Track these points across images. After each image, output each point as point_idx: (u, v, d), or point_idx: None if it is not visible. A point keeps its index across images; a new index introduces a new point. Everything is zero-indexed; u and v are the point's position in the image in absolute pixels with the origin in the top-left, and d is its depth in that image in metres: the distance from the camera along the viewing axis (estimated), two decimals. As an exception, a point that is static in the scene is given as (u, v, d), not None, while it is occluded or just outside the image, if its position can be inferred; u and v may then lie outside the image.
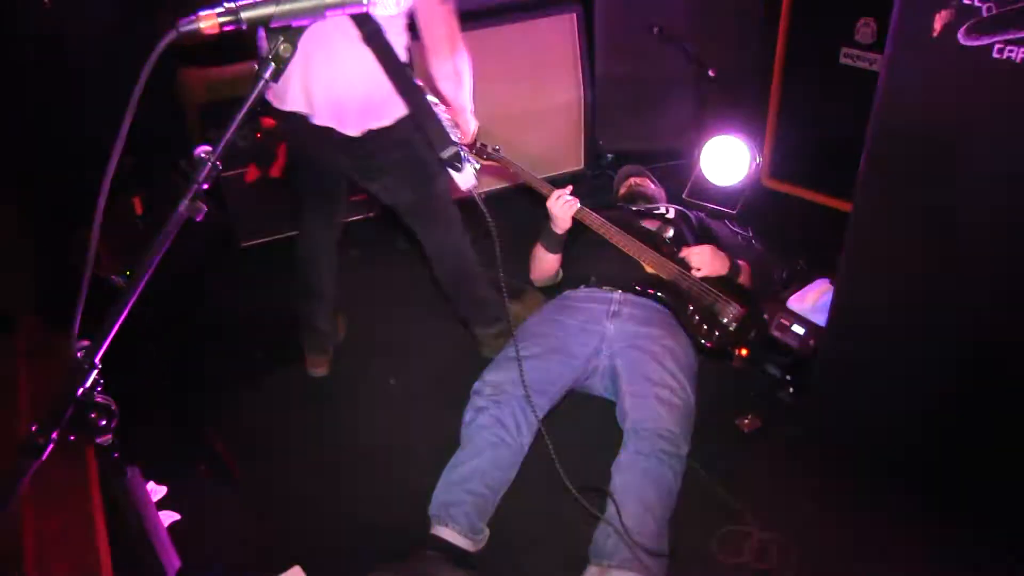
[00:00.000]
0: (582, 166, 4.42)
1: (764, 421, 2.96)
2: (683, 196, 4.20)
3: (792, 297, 3.06)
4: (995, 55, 1.98)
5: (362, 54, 2.50)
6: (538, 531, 2.62)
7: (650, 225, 3.23)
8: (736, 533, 2.59)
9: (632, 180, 3.69)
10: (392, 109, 2.66)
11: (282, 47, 1.39)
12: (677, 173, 4.36)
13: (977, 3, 1.97)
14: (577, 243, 3.18)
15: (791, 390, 3.02)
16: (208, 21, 1.32)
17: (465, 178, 2.62)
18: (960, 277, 2.30)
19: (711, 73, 4.03)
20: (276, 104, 2.69)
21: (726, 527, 2.61)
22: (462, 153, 2.58)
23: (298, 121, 2.70)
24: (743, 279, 3.16)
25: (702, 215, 3.55)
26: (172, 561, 1.52)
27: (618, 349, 2.85)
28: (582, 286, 3.11)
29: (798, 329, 2.95)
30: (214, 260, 3.84)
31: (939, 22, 2.04)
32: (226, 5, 1.32)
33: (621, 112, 4.34)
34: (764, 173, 4.22)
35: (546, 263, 3.21)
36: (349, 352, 3.36)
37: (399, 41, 2.58)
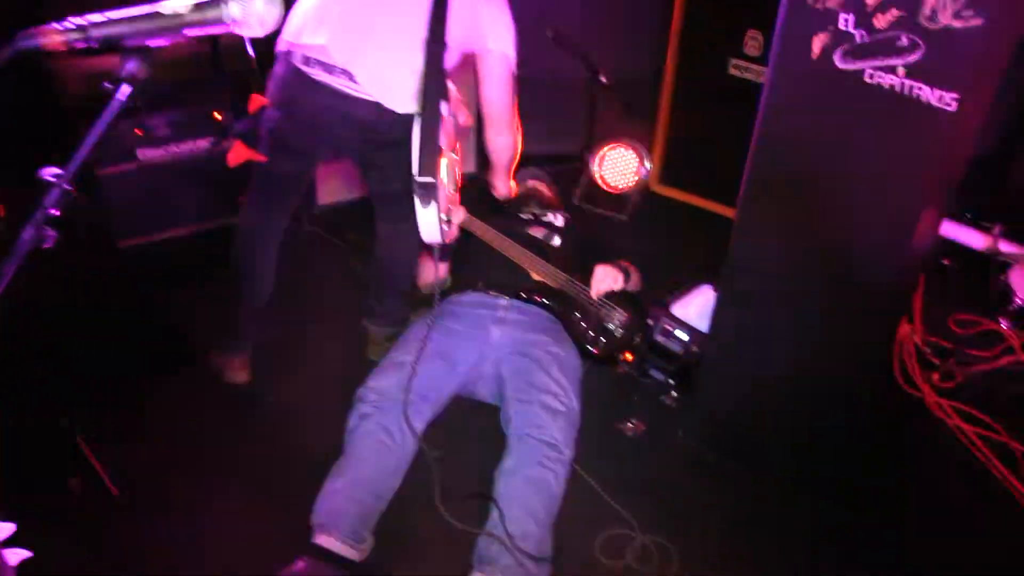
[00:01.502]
0: (474, 168, 4.41)
1: (648, 426, 3.02)
2: (574, 201, 4.24)
3: (676, 303, 3.11)
4: (867, 79, 2.06)
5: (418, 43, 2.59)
6: (423, 538, 2.61)
7: (537, 232, 3.25)
8: (619, 537, 2.63)
9: (529, 183, 3.70)
10: (416, 102, 2.64)
11: (137, 68, 1.33)
12: (569, 177, 4.39)
13: (851, 29, 2.04)
14: (466, 248, 3.18)
15: (675, 395, 3.08)
16: (51, 37, 1.24)
17: (428, 223, 2.59)
18: (832, 285, 2.38)
19: (603, 79, 4.06)
20: (310, 51, 2.65)
21: (609, 531, 2.65)
22: (437, 208, 2.57)
23: (315, 87, 2.67)
24: (631, 284, 3.20)
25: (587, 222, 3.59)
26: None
27: (504, 355, 2.85)
28: (468, 291, 3.11)
29: (681, 335, 3.01)
30: (90, 264, 3.69)
31: (817, 45, 2.11)
32: (75, 21, 1.25)
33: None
34: (654, 179, 4.29)
35: (432, 269, 3.20)
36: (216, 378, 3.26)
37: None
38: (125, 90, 1.33)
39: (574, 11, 4.19)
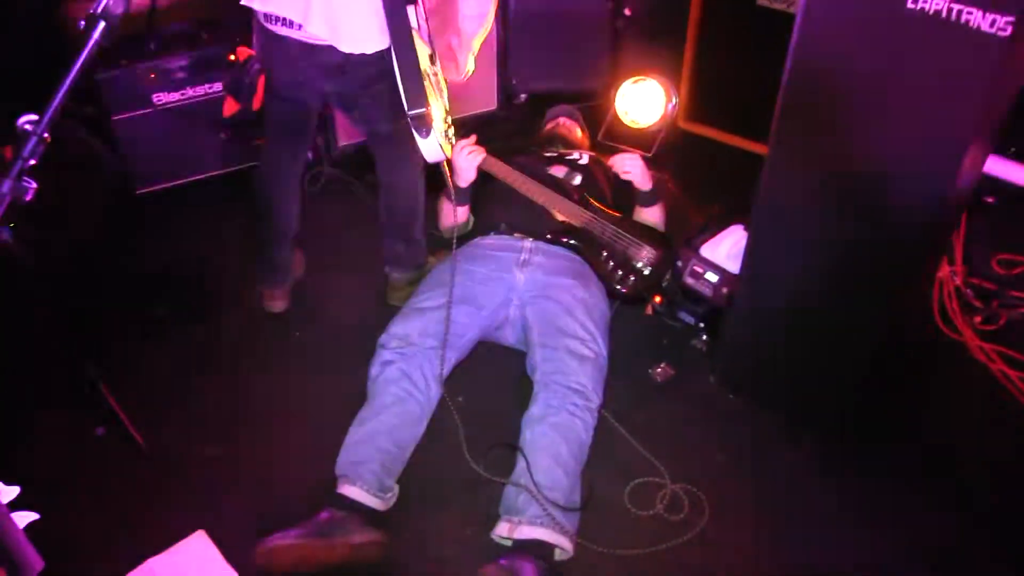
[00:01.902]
0: (495, 107, 4.30)
1: (677, 370, 2.95)
2: (598, 138, 4.13)
3: (706, 244, 3.01)
4: (910, 4, 1.93)
5: None
6: (449, 487, 2.57)
7: (558, 171, 3.15)
8: (648, 485, 2.58)
9: (560, 120, 3.60)
10: (384, 38, 2.56)
11: (111, 2, 1.25)
12: (593, 114, 4.27)
13: (895, -52, 1.91)
14: (488, 189, 3.09)
15: (704, 338, 3.00)
16: None
17: (430, 149, 2.53)
18: (869, 223, 2.28)
19: (627, 12, 3.94)
20: (263, 7, 2.60)
21: (638, 479, 2.59)
22: (435, 131, 2.50)
23: (282, 42, 2.64)
24: (658, 221, 3.12)
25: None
26: (33, 563, 1.42)
27: (528, 299, 2.78)
28: (491, 233, 3.03)
29: (711, 277, 2.92)
30: (107, 211, 3.63)
31: (858, -33, 1.99)
32: None
33: (536, 51, 4.21)
34: (681, 115, 4.16)
35: (452, 212, 3.11)
36: (256, 304, 3.24)
37: None
38: (100, 27, 1.24)
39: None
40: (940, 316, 3.15)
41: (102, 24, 1.24)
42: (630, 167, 3.04)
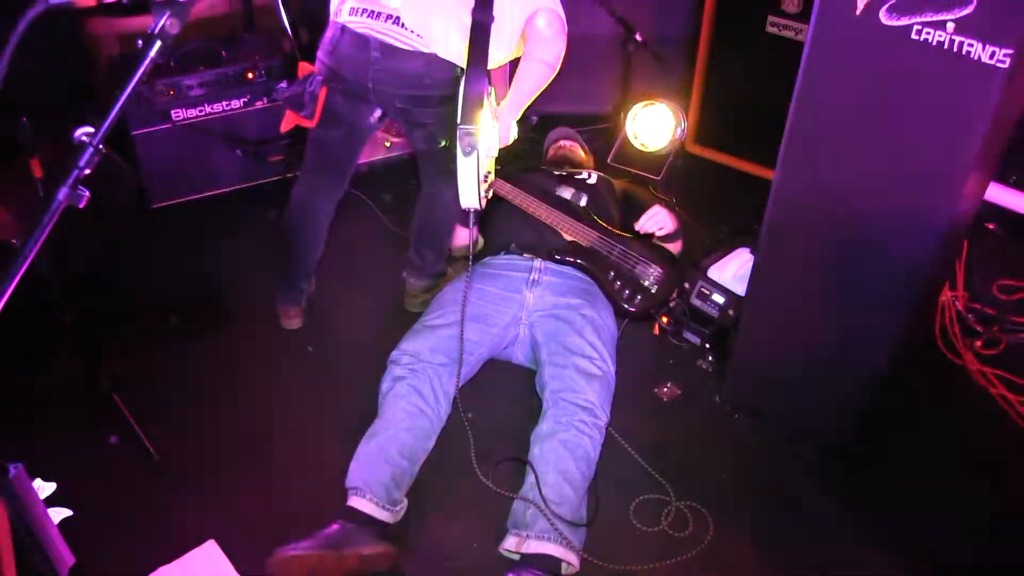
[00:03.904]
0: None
1: (684, 390, 2.99)
2: (608, 161, 4.19)
3: (713, 266, 3.07)
4: (914, 36, 1.99)
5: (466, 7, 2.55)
6: (457, 502, 2.61)
7: (566, 192, 3.22)
8: (654, 502, 2.62)
9: (561, 142, 3.68)
10: (463, 56, 2.63)
11: (168, 23, 1.31)
12: (603, 137, 4.34)
13: (900, -18, 1.97)
14: (498, 209, 3.15)
15: (711, 359, 3.05)
16: None
17: (467, 172, 2.53)
18: (872, 249, 2.33)
19: (638, 37, 3.99)
20: (356, 3, 2.70)
21: (644, 496, 2.63)
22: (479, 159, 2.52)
23: (362, 41, 2.69)
24: (676, 252, 3.19)
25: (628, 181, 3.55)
26: (66, 558, 1.47)
27: (537, 319, 2.84)
28: (502, 252, 3.09)
29: (718, 298, 2.97)
30: (125, 224, 3.70)
31: (863, 0, 2.04)
32: None
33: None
34: (689, 139, 4.22)
35: (464, 233, 3.17)
36: (269, 318, 3.29)
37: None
38: (157, 46, 1.31)
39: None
40: (942, 340, 3.19)
41: (159, 43, 1.31)
42: (662, 222, 3.13)
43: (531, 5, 2.69)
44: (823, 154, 2.31)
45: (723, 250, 3.16)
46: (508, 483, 2.54)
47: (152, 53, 1.31)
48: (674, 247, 3.18)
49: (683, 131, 4.12)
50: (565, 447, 2.49)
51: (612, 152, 4.23)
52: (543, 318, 2.83)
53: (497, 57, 2.70)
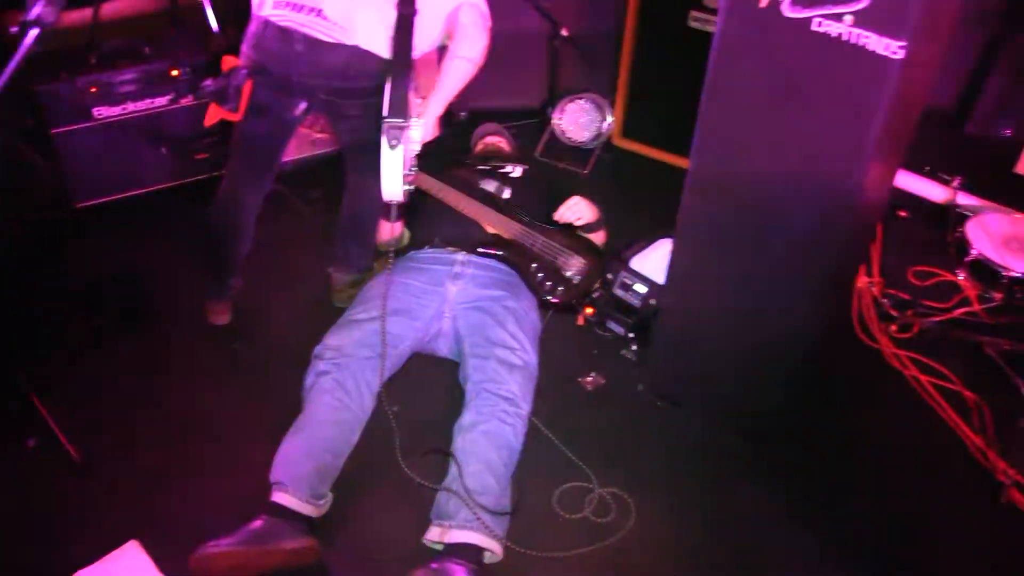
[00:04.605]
0: (439, 131, 4.36)
1: (608, 379, 3.03)
2: (535, 155, 4.22)
3: (636, 256, 3.11)
4: (814, 28, 2.04)
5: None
6: (382, 495, 2.62)
7: (489, 185, 3.25)
8: (577, 490, 2.65)
9: (488, 139, 3.69)
10: (387, 48, 2.63)
11: (44, 11, 1.30)
12: (530, 132, 4.37)
13: (800, -25, 2.03)
14: (423, 204, 3.17)
15: (635, 348, 3.09)
16: None
17: (391, 164, 2.55)
18: (783, 235, 2.39)
19: (564, 32, 4.03)
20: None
21: (568, 484, 2.67)
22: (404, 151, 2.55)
23: (286, 35, 2.68)
24: (600, 243, 3.23)
25: (550, 174, 3.59)
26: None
27: (460, 311, 2.87)
28: (426, 247, 3.11)
29: (640, 288, 3.01)
30: (46, 224, 3.65)
31: (765, -8, 2.10)
32: None
33: (480, 71, 4.30)
34: (617, 132, 4.28)
35: (388, 227, 3.18)
36: (196, 316, 3.27)
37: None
38: (33, 34, 1.30)
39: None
40: (859, 325, 3.28)
41: (35, 31, 1.30)
42: (580, 212, 3.15)
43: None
44: (733, 143, 2.36)
45: (646, 240, 3.20)
46: (432, 475, 2.56)
47: (28, 41, 1.30)
48: (598, 237, 3.22)
49: (610, 125, 4.18)
50: (487, 437, 2.51)
51: (539, 146, 4.27)
52: (466, 311, 2.85)
53: (422, 47, 2.72)
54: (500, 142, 3.64)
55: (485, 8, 2.81)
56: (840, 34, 2.01)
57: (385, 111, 2.51)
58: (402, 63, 2.54)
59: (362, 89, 2.75)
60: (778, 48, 2.13)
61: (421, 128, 2.69)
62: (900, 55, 1.95)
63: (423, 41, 2.72)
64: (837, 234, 2.31)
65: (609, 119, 4.16)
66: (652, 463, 2.77)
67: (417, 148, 2.67)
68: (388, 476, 2.62)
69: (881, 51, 1.97)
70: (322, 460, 2.49)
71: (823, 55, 2.05)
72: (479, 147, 3.66)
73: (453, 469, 2.48)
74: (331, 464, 2.52)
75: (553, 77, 4.26)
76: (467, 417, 2.59)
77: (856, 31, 1.99)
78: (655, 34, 4.00)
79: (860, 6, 1.97)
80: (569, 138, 4.22)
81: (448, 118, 4.32)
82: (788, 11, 2.07)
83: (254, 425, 2.82)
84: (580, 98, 4.16)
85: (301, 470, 2.45)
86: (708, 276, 2.62)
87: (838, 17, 2.00)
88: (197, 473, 2.69)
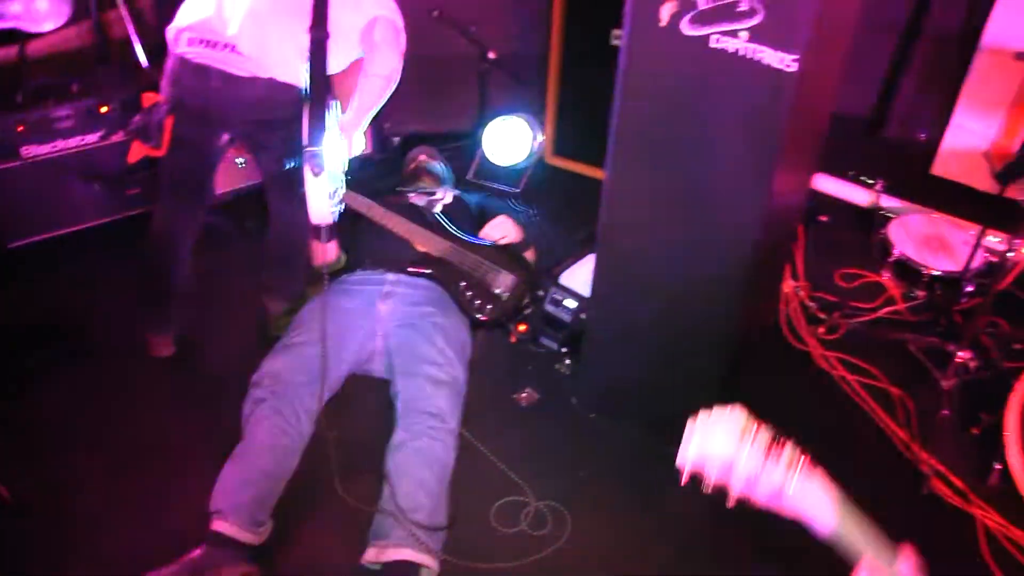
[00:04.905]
0: (370, 150, 4.42)
1: (542, 394, 3.08)
2: (467, 177, 4.28)
3: (565, 271, 3.18)
4: (712, 45, 2.12)
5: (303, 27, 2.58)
6: (321, 519, 2.64)
7: (420, 204, 3.32)
8: (513, 504, 2.69)
9: (419, 160, 3.74)
10: (304, 79, 2.63)
11: None
12: (463, 154, 4.43)
13: (697, -3, 2.11)
14: (354, 227, 3.21)
15: (567, 362, 3.15)
16: None
17: (317, 192, 2.55)
18: (699, 243, 2.46)
19: (491, 55, 4.10)
20: (191, 27, 2.70)
21: (504, 498, 2.71)
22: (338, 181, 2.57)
23: (202, 72, 2.71)
24: (531, 261, 3.29)
25: (483, 195, 3.64)
26: None
27: (392, 330, 2.91)
28: (358, 269, 3.15)
29: (570, 303, 3.07)
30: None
31: (666, 12, 2.17)
32: None
33: (406, 95, 4.34)
34: (548, 151, 4.35)
35: (322, 250, 3.22)
36: (135, 350, 3.27)
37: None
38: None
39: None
40: (788, 328, 3.36)
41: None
42: (505, 231, 3.22)
43: (368, 12, 2.75)
44: (645, 155, 2.43)
45: (576, 256, 3.27)
46: (369, 497, 2.58)
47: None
48: (527, 255, 3.28)
49: (540, 144, 4.25)
50: (418, 455, 2.55)
51: (472, 168, 4.33)
52: (397, 329, 2.89)
53: (339, 66, 2.76)
54: (432, 164, 3.69)
55: (399, 21, 2.85)
56: (737, 50, 2.09)
57: (305, 139, 2.55)
58: (319, 89, 2.58)
59: (281, 120, 2.79)
60: (680, 65, 2.21)
61: (343, 147, 2.72)
62: (794, 68, 2.03)
63: (339, 61, 2.76)
64: (750, 239, 2.38)
65: (539, 138, 4.23)
66: (587, 475, 2.82)
67: (343, 167, 2.70)
68: (327, 500, 2.63)
69: (776, 65, 2.05)
70: (261, 487, 2.51)
71: (722, 70, 2.13)
72: (410, 169, 3.70)
73: (386, 489, 2.51)
74: (271, 490, 2.53)
75: (482, 100, 4.32)
76: (397, 436, 2.62)
77: (752, 47, 2.07)
78: (580, 53, 4.08)
79: (754, 22, 2.05)
80: (500, 159, 4.27)
81: (382, 142, 4.39)
82: (687, 29, 2.14)
83: (193, 455, 2.83)
84: (510, 119, 4.23)
85: (241, 498, 2.46)
86: (629, 286, 2.68)
87: (734, 34, 2.08)
88: (135, 507, 2.69)
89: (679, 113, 2.29)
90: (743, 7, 2.05)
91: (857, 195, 4.07)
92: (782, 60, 2.04)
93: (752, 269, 2.48)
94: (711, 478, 1.13)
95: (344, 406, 2.90)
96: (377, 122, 4.35)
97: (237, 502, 2.45)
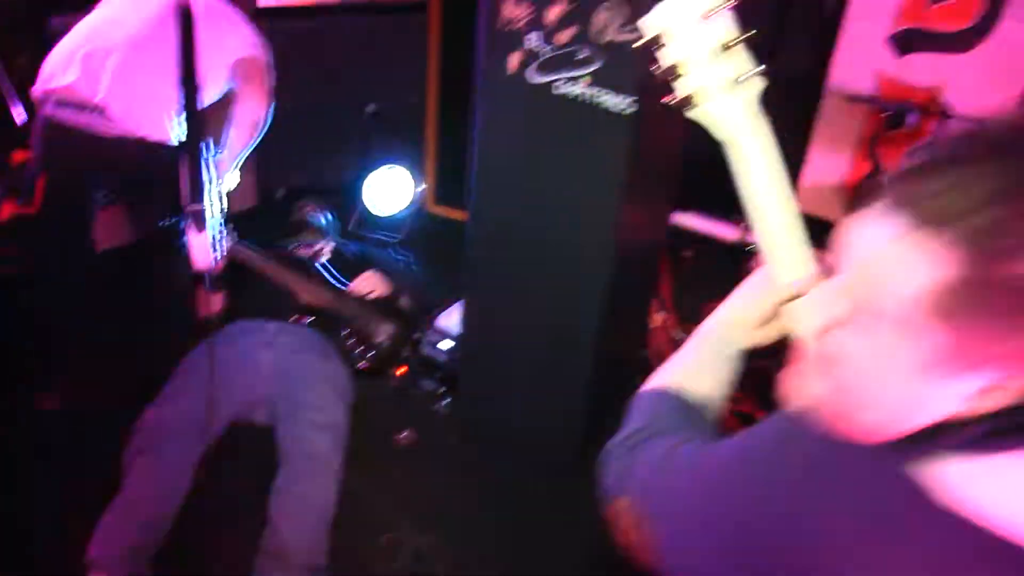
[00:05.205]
0: (255, 203, 4.46)
1: (423, 434, 3.15)
2: (348, 228, 4.35)
3: (441, 315, 3.27)
4: (557, 91, 2.26)
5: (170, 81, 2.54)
6: (203, 565, 2.64)
7: (303, 255, 3.37)
8: (394, 541, 2.74)
9: (302, 213, 3.80)
10: (175, 132, 2.66)
11: None
12: (346, 205, 4.50)
13: (539, 46, 2.25)
14: (239, 277, 3.24)
15: (445, 402, 3.23)
16: None
17: (201, 247, 2.56)
18: (560, 280, 2.58)
19: (371, 107, 4.21)
20: (60, 88, 2.69)
21: (384, 537, 2.75)
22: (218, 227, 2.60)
23: (70, 133, 2.71)
24: (403, 301, 3.36)
25: (363, 245, 3.72)
26: None
27: (273, 378, 2.94)
28: (240, 319, 3.18)
29: (446, 344, 3.17)
30: None
31: (513, 61, 2.31)
32: None
33: (289, 148, 4.42)
34: (430, 200, 4.45)
35: (208, 300, 3.24)
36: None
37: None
38: None
39: (337, 44, 4.30)
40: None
41: None
42: (372, 286, 3.29)
43: (233, 52, 2.83)
44: (503, 198, 2.56)
45: (453, 299, 3.37)
46: (251, 540, 2.60)
47: None
48: (405, 302, 3.35)
49: (421, 193, 4.35)
50: (299, 498, 2.58)
51: (353, 219, 4.40)
52: (278, 377, 2.93)
53: (211, 98, 2.82)
54: (314, 216, 3.76)
55: (265, 58, 2.91)
56: (579, 95, 2.24)
57: (184, 196, 2.58)
58: (194, 143, 2.62)
59: (156, 179, 2.79)
60: (529, 110, 2.35)
61: (220, 188, 2.78)
62: (633, 109, 2.18)
63: (209, 96, 2.81)
64: (605, 275, 2.51)
65: (419, 188, 4.34)
66: (465, 510, 2.89)
67: (223, 214, 2.75)
68: (208, 546, 2.64)
69: (616, 108, 2.20)
70: (139, 537, 2.49)
71: (567, 115, 2.28)
72: (294, 220, 3.76)
73: (268, 531, 2.54)
74: (150, 540, 2.52)
75: (363, 150, 4.41)
76: (279, 479, 2.65)
77: (592, 91, 2.22)
78: (457, 103, 4.21)
79: (594, 68, 2.20)
80: (381, 209, 4.36)
81: (265, 194, 4.44)
82: (532, 77, 2.28)
83: (73, 502, 2.78)
84: (390, 169, 4.32)
85: (117, 548, 2.45)
86: (495, 325, 2.79)
87: (576, 80, 2.23)
88: (11, 556, 2.65)
89: (532, 157, 2.43)
90: (583, 55, 2.19)
91: (724, 231, 4.26)
92: (620, 104, 2.19)
93: (608, 304, 2.60)
94: (663, 58, 1.01)
95: (225, 453, 2.91)
96: (261, 174, 4.41)
97: (113, 553, 2.44)
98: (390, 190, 4.35)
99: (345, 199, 4.53)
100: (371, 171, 4.36)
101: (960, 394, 0.78)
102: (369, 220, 4.40)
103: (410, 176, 4.33)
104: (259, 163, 4.37)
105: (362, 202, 4.39)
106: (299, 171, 4.53)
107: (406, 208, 4.37)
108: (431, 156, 4.39)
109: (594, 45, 2.17)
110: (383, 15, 4.33)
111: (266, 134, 4.26)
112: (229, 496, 2.78)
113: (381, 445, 3.10)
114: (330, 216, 3.83)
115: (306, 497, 2.60)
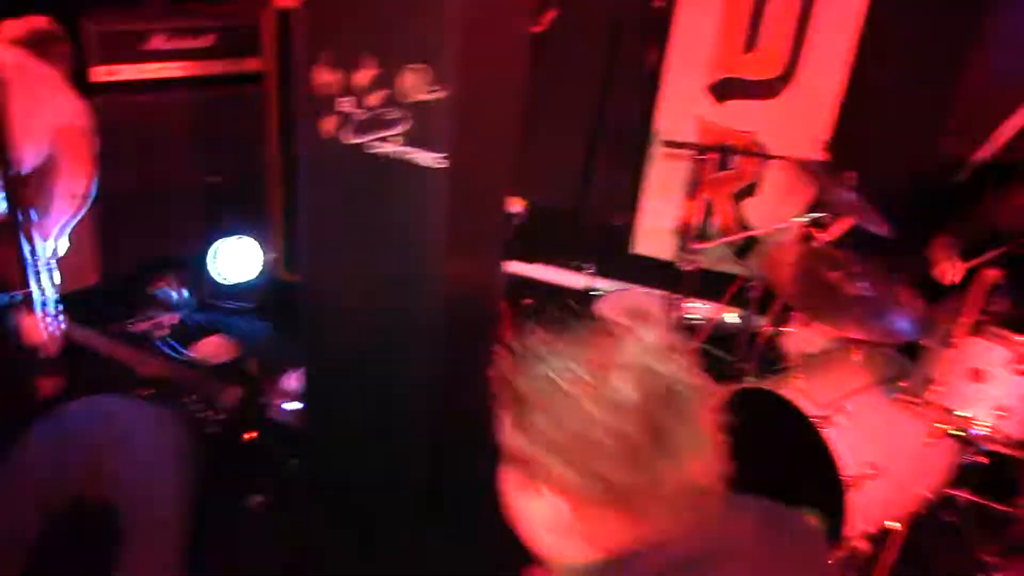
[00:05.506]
0: (97, 280, 4.39)
1: (275, 497, 3.14)
2: (199, 299, 4.33)
3: (285, 378, 3.30)
4: (371, 151, 2.36)
5: None
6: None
7: (143, 329, 3.35)
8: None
9: (150, 288, 3.78)
10: None
11: None
12: (195, 276, 4.48)
13: (352, 109, 2.34)
14: (79, 357, 3.21)
15: (297, 463, 3.24)
16: None
17: (32, 328, 2.57)
18: (395, 334, 2.66)
19: (214, 179, 4.22)
20: None
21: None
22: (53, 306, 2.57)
23: None
24: (250, 365, 3.37)
25: (213, 314, 3.72)
26: None
27: (111, 452, 2.89)
28: (78, 397, 3.13)
29: (292, 406, 3.19)
30: None
31: (328, 125, 2.40)
32: None
33: (133, 222, 4.38)
34: (280, 266, 4.47)
35: (44, 385, 3.19)
36: None
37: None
38: None
39: (179, 116, 4.31)
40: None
41: None
42: (216, 351, 3.32)
43: (49, 122, 2.80)
44: (334, 259, 2.63)
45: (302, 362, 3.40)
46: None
47: None
48: (253, 365, 3.36)
49: (270, 260, 4.37)
50: (144, 571, 2.56)
51: (203, 289, 4.38)
52: (115, 450, 2.88)
53: (33, 165, 2.78)
54: (165, 290, 3.75)
55: (85, 122, 2.90)
56: (391, 153, 2.34)
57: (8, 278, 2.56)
58: (18, 228, 2.59)
59: None
60: (346, 170, 2.44)
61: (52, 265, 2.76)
62: (444, 165, 2.29)
63: (29, 163, 2.76)
64: (439, 325, 2.59)
65: (268, 255, 4.36)
66: (321, 570, 2.90)
67: (56, 284, 2.71)
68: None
69: (427, 164, 2.30)
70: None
71: (383, 174, 2.37)
72: (140, 295, 3.74)
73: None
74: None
75: (209, 222, 4.40)
76: (123, 552, 2.60)
77: (405, 149, 2.32)
78: (297, 171, 4.26)
79: (404, 128, 2.30)
80: (230, 278, 4.36)
81: (108, 272, 4.37)
82: (346, 138, 2.38)
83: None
84: (237, 239, 4.33)
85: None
86: (337, 385, 2.84)
87: (388, 139, 2.33)
88: None
89: (355, 216, 2.52)
90: (392, 115, 2.30)
91: (572, 279, 4.43)
92: (432, 159, 2.29)
93: (444, 357, 2.66)
94: None
95: (66, 532, 2.85)
96: (104, 249, 4.35)
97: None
98: (239, 259, 4.35)
99: (194, 271, 4.51)
100: (218, 242, 4.36)
101: None
102: (220, 290, 4.39)
103: (258, 245, 4.35)
104: (103, 239, 4.32)
105: (209, 273, 4.38)
106: (144, 246, 4.48)
107: (257, 277, 4.38)
108: (278, 224, 4.42)
109: (403, 106, 2.28)
110: (222, 86, 4.36)
111: (108, 210, 4.24)
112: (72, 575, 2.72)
113: (231, 509, 3.08)
114: (181, 290, 3.82)
115: (151, 569, 2.57)
